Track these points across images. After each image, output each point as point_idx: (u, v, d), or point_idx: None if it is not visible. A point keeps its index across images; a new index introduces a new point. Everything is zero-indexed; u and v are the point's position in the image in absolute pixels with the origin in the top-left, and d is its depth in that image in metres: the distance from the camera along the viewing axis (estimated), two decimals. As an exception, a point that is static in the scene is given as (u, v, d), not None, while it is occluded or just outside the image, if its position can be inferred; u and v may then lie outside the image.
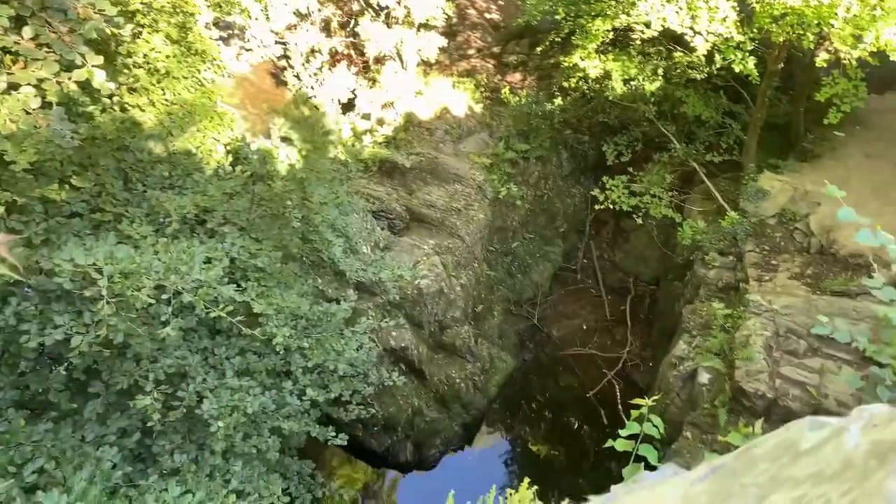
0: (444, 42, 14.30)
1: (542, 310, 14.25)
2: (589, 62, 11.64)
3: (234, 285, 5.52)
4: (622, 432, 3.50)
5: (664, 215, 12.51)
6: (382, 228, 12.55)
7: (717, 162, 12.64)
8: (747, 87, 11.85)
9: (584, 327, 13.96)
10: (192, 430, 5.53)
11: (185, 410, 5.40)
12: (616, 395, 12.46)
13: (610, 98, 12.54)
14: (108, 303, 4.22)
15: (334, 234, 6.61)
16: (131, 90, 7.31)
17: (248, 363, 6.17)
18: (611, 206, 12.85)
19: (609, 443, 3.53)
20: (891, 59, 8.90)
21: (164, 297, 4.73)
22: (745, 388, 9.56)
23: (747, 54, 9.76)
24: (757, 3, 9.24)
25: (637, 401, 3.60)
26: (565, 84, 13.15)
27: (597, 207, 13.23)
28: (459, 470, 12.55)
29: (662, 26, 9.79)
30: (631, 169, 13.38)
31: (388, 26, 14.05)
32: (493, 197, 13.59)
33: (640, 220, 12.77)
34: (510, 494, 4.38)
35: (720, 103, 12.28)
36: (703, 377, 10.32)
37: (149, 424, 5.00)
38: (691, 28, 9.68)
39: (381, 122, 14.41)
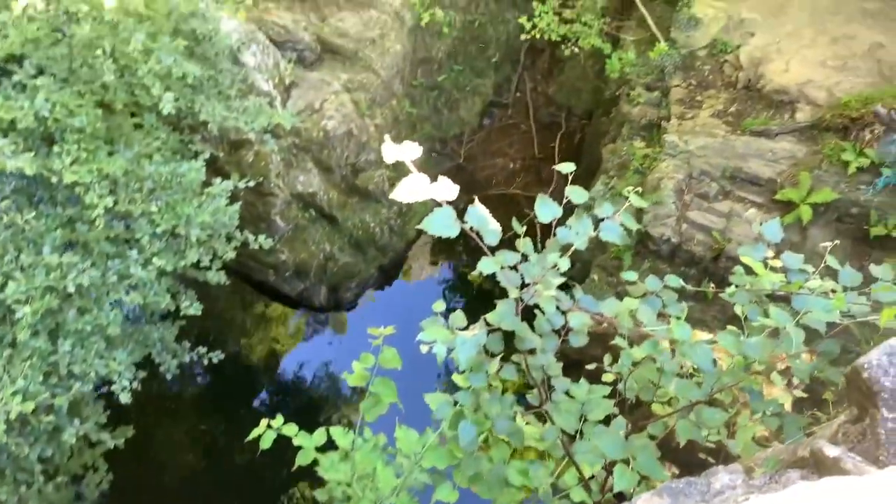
0: None
1: (469, 148, 13.64)
2: None
3: (33, 153, 4.86)
4: (355, 364, 3.13)
5: (593, 45, 11.57)
6: (290, 61, 11.50)
7: (654, -16, 11.50)
8: None
9: (511, 166, 13.47)
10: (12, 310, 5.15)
11: (-13, 295, 4.99)
12: (537, 235, 12.26)
13: None
14: None
15: (163, 86, 5.81)
16: None
17: (77, 235, 5.66)
18: (537, 37, 11.85)
19: (345, 375, 3.16)
20: None
21: None
22: (651, 232, 9.35)
23: None
24: None
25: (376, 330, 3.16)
26: None
27: (522, 38, 12.18)
28: (383, 308, 12.63)
29: None
30: (564, -8, 12.19)
31: None
32: (413, 24, 12.42)
33: (567, 52, 11.86)
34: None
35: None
36: (614, 221, 10.08)
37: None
38: None
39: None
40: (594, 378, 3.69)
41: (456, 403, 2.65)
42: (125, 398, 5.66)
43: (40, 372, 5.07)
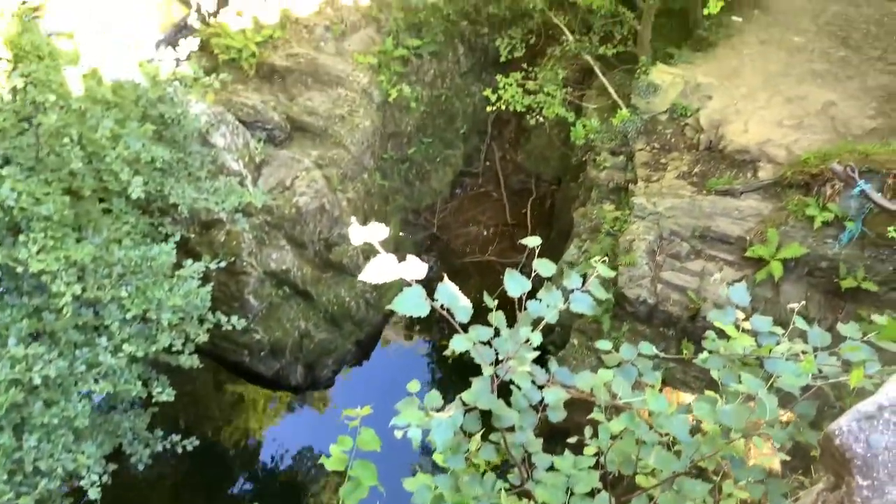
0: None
1: (442, 217, 13.77)
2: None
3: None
4: (333, 447, 3.02)
5: (557, 114, 11.89)
6: (260, 140, 11.63)
7: (612, 55, 11.93)
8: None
9: (485, 233, 13.59)
10: (-26, 407, 4.97)
11: (-53, 394, 4.83)
12: (514, 303, 12.27)
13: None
14: None
15: (131, 170, 5.82)
16: None
17: (43, 324, 5.54)
18: (503, 108, 12.17)
19: (323, 459, 3.04)
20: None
21: None
22: (628, 294, 9.41)
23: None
24: None
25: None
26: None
27: (489, 109, 12.49)
28: (363, 384, 12.40)
29: None
30: (525, 65, 12.60)
31: None
32: (381, 100, 12.70)
33: (533, 121, 12.17)
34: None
35: (613, -12, 11.42)
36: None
37: None
38: None
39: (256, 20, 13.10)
40: (578, 449, 3.62)
41: (436, 487, 2.57)
42: (94, 494, 5.42)
43: (4, 470, 4.85)
